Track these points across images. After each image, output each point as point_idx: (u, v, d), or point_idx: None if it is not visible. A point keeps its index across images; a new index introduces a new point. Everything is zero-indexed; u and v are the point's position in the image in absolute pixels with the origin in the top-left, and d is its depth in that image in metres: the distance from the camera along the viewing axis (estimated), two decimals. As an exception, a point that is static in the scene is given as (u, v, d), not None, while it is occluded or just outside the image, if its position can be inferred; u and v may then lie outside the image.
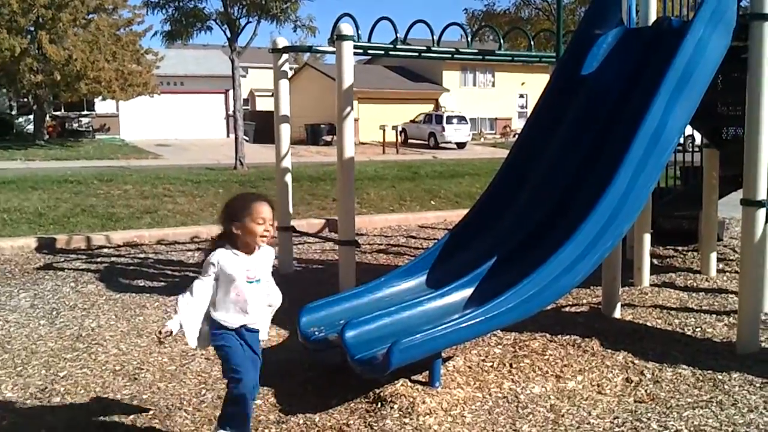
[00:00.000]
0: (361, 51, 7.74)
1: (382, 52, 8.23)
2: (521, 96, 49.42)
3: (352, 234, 7.09)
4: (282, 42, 8.02)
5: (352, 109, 6.97)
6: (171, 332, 3.65)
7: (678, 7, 7.23)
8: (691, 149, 9.85)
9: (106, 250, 9.64)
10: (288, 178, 8.19)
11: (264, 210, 3.68)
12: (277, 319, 6.23)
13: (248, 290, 3.72)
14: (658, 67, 5.36)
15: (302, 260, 8.97)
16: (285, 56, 8.09)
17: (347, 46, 6.84)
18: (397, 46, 7.98)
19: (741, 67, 5.54)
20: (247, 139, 28.62)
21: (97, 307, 6.82)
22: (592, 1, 6.74)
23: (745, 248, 5.52)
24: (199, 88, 42.70)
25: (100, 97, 32.95)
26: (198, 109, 42.63)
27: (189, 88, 42.49)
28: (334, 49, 7.00)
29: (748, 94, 5.38)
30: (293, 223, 8.48)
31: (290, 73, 44.01)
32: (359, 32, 7.24)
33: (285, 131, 8.12)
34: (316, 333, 4.98)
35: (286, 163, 8.15)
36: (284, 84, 8.11)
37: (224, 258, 3.68)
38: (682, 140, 9.63)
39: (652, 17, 6.51)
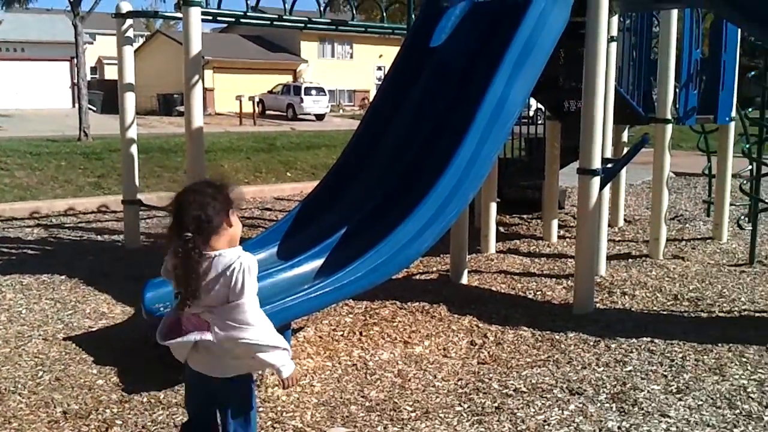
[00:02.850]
0: (210, 18, 7.50)
1: (233, 19, 8.03)
2: (379, 68, 49.63)
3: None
4: (126, 6, 7.69)
5: (200, 77, 6.77)
6: None
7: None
8: (535, 122, 10.26)
9: (-67, 227, 8.95)
10: (134, 149, 7.88)
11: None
12: (122, 296, 6.08)
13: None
14: (503, 38, 5.51)
15: (150, 235, 8.67)
16: (129, 21, 7.74)
17: (194, 12, 6.60)
18: (248, 14, 7.80)
19: (580, 43, 5.79)
20: (94, 109, 27.25)
21: None
22: (440, -27, 6.83)
23: (581, 214, 5.82)
24: (41, 55, 40.13)
25: (-71, 63, 30.41)
26: (41, 77, 40.05)
27: (31, 55, 39.90)
28: (182, 15, 6.75)
29: (585, 68, 5.64)
30: (141, 196, 8.16)
31: (140, 41, 42.35)
32: (208, -2, 7.02)
33: (130, 100, 7.80)
34: (161, 309, 4.80)
35: (132, 133, 7.84)
36: (129, 51, 7.78)
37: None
38: (532, 113, 9.94)
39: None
